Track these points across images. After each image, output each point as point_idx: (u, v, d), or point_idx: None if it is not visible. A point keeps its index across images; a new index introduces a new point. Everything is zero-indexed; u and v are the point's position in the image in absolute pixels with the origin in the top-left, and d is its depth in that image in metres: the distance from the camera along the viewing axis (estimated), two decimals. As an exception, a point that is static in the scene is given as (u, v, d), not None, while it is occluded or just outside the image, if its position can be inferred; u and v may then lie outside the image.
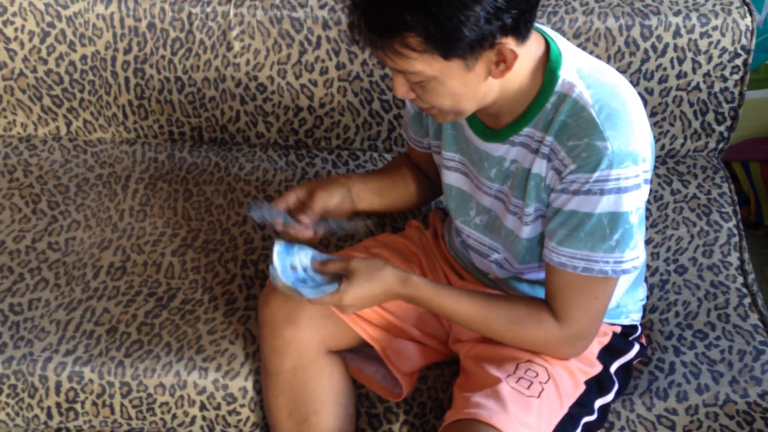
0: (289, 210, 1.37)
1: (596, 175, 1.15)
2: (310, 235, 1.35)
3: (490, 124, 1.28)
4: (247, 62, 1.79)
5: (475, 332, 1.35)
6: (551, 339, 1.28)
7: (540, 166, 1.22)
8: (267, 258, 1.66)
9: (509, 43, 1.10)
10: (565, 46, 1.21)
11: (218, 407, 1.51)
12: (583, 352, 1.32)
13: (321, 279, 1.27)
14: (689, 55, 1.72)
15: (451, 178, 1.38)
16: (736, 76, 1.74)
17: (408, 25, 1.05)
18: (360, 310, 1.27)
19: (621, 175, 1.15)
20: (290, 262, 1.27)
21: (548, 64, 1.19)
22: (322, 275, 1.28)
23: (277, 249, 1.26)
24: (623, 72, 1.73)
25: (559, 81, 1.19)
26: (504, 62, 1.12)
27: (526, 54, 1.16)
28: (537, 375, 1.29)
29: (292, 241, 1.30)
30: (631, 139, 1.15)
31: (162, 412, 1.52)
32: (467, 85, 1.13)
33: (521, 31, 1.10)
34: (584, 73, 1.19)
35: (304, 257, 1.28)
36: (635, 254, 1.21)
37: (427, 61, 1.09)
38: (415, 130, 1.45)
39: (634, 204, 1.18)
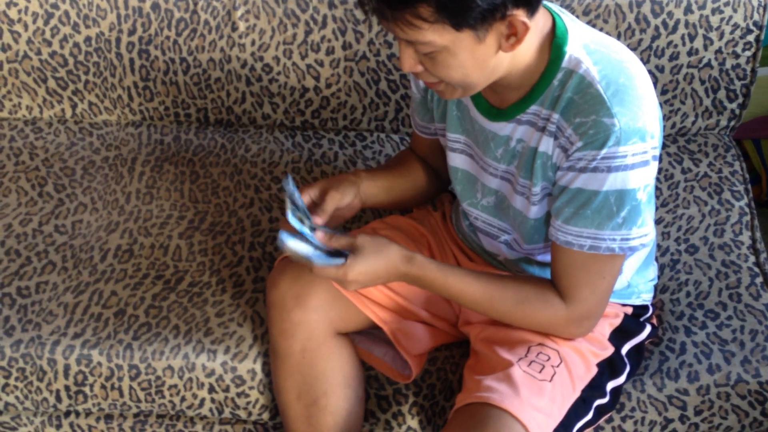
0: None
1: (603, 152, 1.14)
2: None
3: (496, 103, 1.26)
4: (253, 42, 1.78)
5: (482, 314, 1.34)
6: (558, 319, 1.27)
7: (546, 144, 1.21)
8: (274, 240, 1.65)
9: (520, 14, 1.08)
10: (571, 22, 1.20)
11: (227, 389, 1.51)
12: (590, 332, 1.31)
13: (326, 252, 1.26)
14: (701, 31, 1.70)
15: (456, 161, 1.37)
16: (748, 53, 1.72)
17: None
18: (363, 287, 1.25)
19: (628, 152, 1.14)
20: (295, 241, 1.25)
21: (554, 40, 1.18)
22: (327, 248, 1.26)
23: (283, 233, 1.24)
24: (633, 49, 1.71)
25: (566, 57, 1.17)
26: (515, 35, 1.10)
27: (534, 29, 1.15)
28: (549, 358, 1.28)
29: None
30: (639, 116, 1.14)
31: (171, 395, 1.52)
32: (477, 58, 1.12)
33: (532, 3, 1.09)
34: (591, 49, 1.18)
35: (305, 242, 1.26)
36: (643, 231, 1.20)
37: (438, 31, 1.08)
38: (421, 115, 1.43)
39: (641, 181, 1.16)
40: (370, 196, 1.42)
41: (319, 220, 1.30)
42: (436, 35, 1.08)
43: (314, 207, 1.34)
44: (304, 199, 1.34)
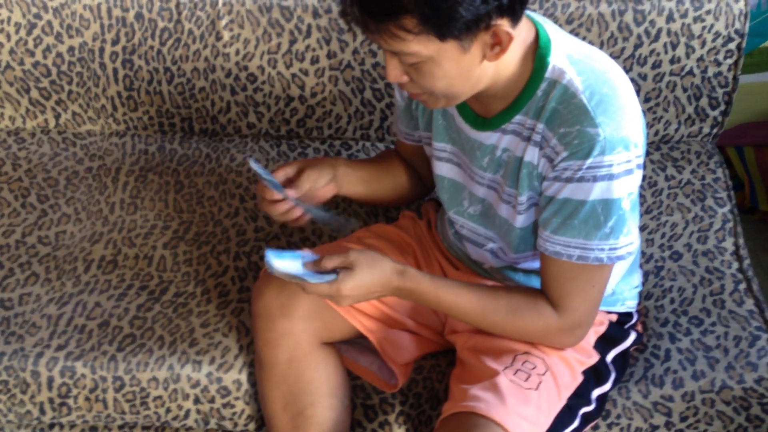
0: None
1: (589, 162, 1.15)
2: (298, 215, 1.34)
3: (481, 112, 1.27)
4: (237, 52, 1.77)
5: (474, 326, 1.33)
6: (550, 329, 1.27)
7: (532, 154, 1.21)
8: (260, 250, 1.65)
9: (504, 24, 1.09)
10: (554, 32, 1.21)
11: (212, 400, 1.50)
12: (582, 340, 1.31)
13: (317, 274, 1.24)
14: (683, 39, 1.71)
15: (443, 169, 1.37)
16: (729, 61, 1.73)
17: (403, 7, 1.04)
18: (356, 302, 1.25)
19: (613, 161, 1.14)
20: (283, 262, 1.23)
21: (538, 51, 1.19)
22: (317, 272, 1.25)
23: (269, 253, 1.22)
24: (616, 58, 1.72)
25: (549, 67, 1.18)
26: (499, 44, 1.11)
27: (517, 39, 1.15)
28: (535, 367, 1.28)
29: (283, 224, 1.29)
30: (623, 125, 1.15)
31: (156, 406, 1.51)
32: (462, 68, 1.12)
33: (516, 12, 1.10)
34: (574, 59, 1.18)
35: (294, 261, 1.24)
36: (629, 240, 1.21)
37: (423, 42, 1.08)
38: (405, 123, 1.44)
39: (626, 190, 1.17)
40: (346, 184, 1.42)
41: (291, 193, 1.31)
42: (421, 46, 1.08)
43: (289, 183, 1.35)
44: (279, 175, 1.35)
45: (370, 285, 1.22)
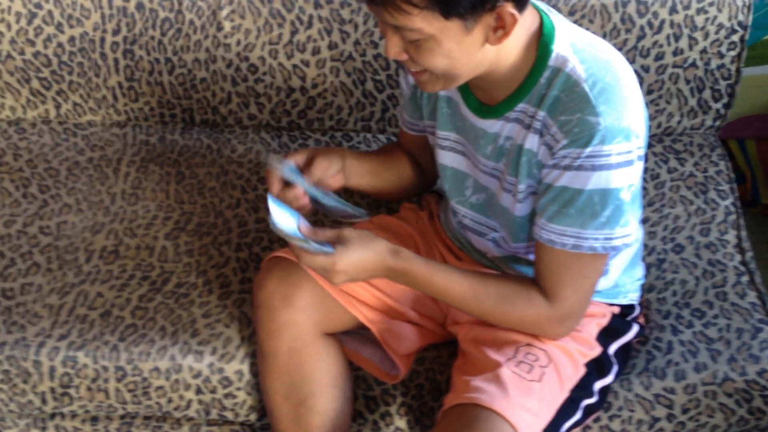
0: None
1: (588, 150, 1.14)
2: (304, 203, 1.33)
3: (485, 100, 1.27)
4: (238, 42, 1.77)
5: (466, 312, 1.33)
6: (541, 318, 1.27)
7: (532, 142, 1.21)
8: (261, 241, 1.64)
9: (509, 6, 1.09)
10: (558, 21, 1.21)
11: (214, 391, 1.50)
12: (571, 331, 1.31)
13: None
14: (686, 31, 1.70)
15: (446, 158, 1.37)
16: (733, 53, 1.73)
17: None
18: (349, 280, 1.23)
19: (613, 151, 1.14)
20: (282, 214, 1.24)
21: (541, 38, 1.19)
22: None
23: (271, 201, 1.23)
24: (619, 49, 1.68)
25: (553, 55, 1.18)
26: (503, 28, 1.11)
27: (521, 26, 1.15)
28: (537, 359, 1.28)
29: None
30: (624, 115, 1.14)
31: (157, 396, 1.51)
32: (463, 49, 1.12)
33: None
34: (578, 48, 1.18)
35: (291, 218, 1.25)
36: (626, 231, 1.20)
37: (427, 18, 1.08)
38: (410, 112, 1.43)
39: (625, 180, 1.17)
40: (353, 175, 1.42)
41: (308, 180, 1.32)
42: (425, 22, 1.08)
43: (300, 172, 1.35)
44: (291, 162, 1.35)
45: (364, 262, 1.21)
